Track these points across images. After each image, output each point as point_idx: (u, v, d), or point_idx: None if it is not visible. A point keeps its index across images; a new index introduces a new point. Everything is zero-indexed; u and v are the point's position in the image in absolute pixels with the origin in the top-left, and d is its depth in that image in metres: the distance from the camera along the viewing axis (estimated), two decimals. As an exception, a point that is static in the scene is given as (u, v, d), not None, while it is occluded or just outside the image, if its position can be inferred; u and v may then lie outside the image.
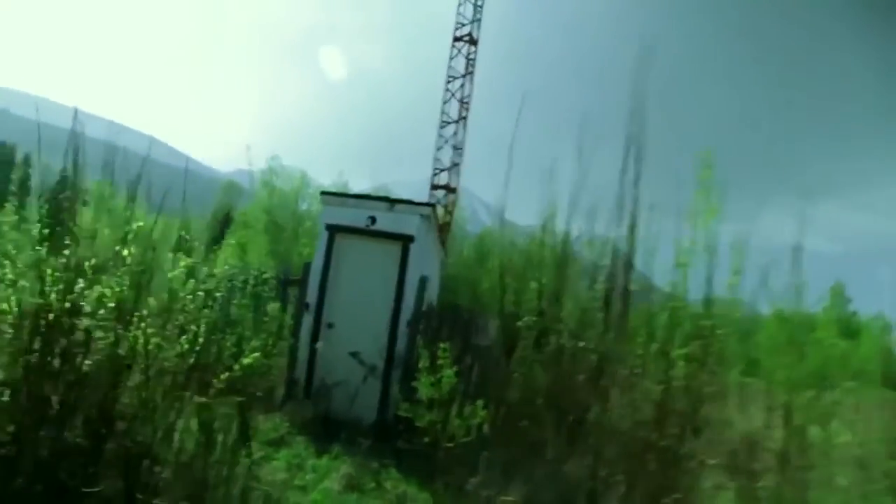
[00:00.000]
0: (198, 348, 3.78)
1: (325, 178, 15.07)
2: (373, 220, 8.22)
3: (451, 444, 4.39)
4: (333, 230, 8.32)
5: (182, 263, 3.93)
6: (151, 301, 3.71)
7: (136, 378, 3.55)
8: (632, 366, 5.10)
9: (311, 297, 8.18)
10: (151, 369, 3.55)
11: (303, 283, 8.12)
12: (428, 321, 7.58)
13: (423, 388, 4.55)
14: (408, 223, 8.14)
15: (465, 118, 14.73)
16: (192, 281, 3.90)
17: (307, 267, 8.21)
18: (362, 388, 7.67)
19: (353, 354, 7.88)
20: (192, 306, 3.82)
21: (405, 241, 8.07)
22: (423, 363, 4.75)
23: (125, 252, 3.77)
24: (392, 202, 8.23)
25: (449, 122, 14.86)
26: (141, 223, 4.08)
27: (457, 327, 7.57)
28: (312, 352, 7.82)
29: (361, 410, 7.55)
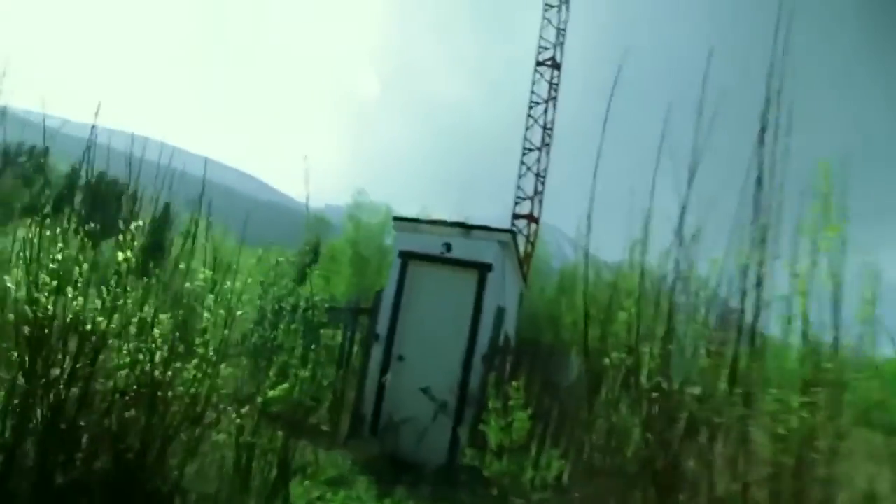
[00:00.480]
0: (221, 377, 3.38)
1: (409, 212, 14.86)
2: (448, 246, 7.80)
3: (522, 501, 3.80)
4: (407, 257, 7.95)
5: (201, 276, 3.59)
6: (164, 319, 3.37)
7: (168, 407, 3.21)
8: (738, 415, 4.35)
9: (382, 327, 7.81)
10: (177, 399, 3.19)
11: (374, 312, 7.77)
12: (504, 356, 7.02)
13: (492, 433, 3.99)
14: (485, 250, 7.66)
15: (548, 145, 14.19)
16: (210, 296, 3.52)
17: (379, 295, 7.86)
18: (432, 426, 7.17)
19: (424, 390, 7.42)
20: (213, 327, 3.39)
21: (482, 269, 7.59)
22: (494, 404, 4.18)
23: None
24: (468, 228, 7.79)
25: (531, 150, 14.36)
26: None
27: (535, 364, 6.96)
28: (380, 385, 7.40)
29: (430, 451, 7.05)
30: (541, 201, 14.16)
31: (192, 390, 3.23)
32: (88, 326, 3.12)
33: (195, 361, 3.33)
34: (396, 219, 8.24)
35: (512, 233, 7.97)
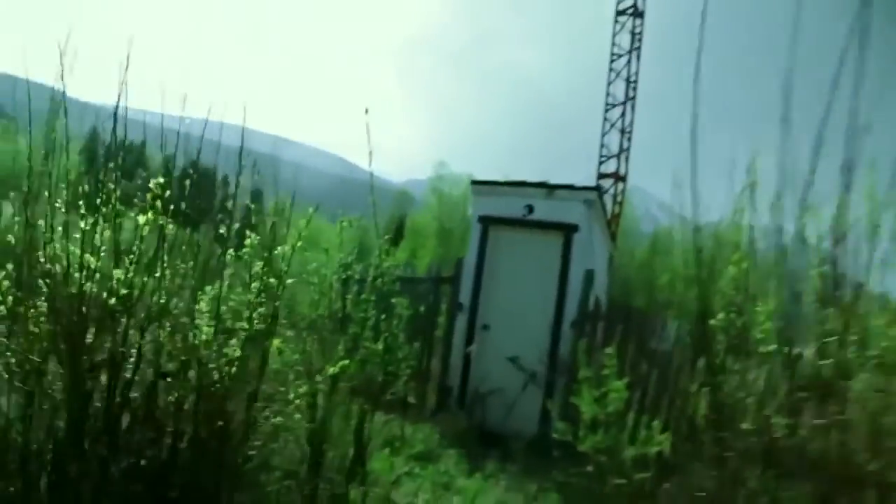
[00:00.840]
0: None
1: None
2: (530, 208, 7.41)
3: (623, 480, 3.44)
4: (487, 222, 7.62)
5: (247, 242, 3.35)
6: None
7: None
8: (875, 385, 3.78)
9: (465, 296, 7.54)
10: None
11: (455, 280, 7.51)
12: (594, 322, 6.60)
13: (586, 405, 3.64)
14: (570, 211, 7.22)
15: (632, 99, 13.36)
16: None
17: (460, 263, 7.58)
18: (521, 397, 6.88)
19: (511, 360, 7.13)
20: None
21: (567, 231, 7.16)
22: (585, 373, 3.82)
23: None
24: (551, 188, 7.36)
25: (615, 105, 13.57)
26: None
27: (629, 329, 6.51)
28: (466, 356, 7.16)
29: (520, 422, 6.77)
30: (627, 158, 13.42)
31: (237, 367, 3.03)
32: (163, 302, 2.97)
33: (240, 336, 3.10)
34: (475, 182, 7.90)
35: (598, 190, 7.47)
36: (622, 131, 13.30)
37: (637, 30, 13.56)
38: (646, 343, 6.24)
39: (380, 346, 3.75)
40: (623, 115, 13.31)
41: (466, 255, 7.79)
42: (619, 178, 13.25)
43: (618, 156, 13.28)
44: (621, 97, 13.34)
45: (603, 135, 13.49)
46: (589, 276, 6.76)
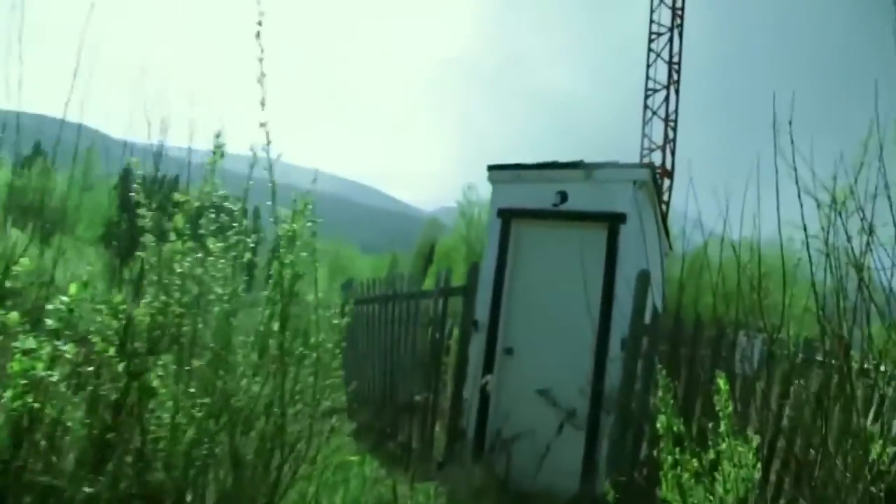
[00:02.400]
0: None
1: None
2: (563, 196, 5.80)
3: None
4: (508, 216, 6.03)
5: None
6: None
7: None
8: None
9: (482, 311, 5.93)
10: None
11: (468, 291, 5.88)
12: (655, 339, 4.90)
13: (676, 492, 1.98)
14: (615, 195, 5.61)
15: (676, 82, 11.66)
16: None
17: (474, 270, 5.96)
18: (556, 442, 5.23)
19: (542, 393, 5.51)
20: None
21: (612, 221, 5.53)
22: (666, 424, 2.19)
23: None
24: (589, 167, 5.74)
25: (656, 90, 11.89)
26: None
27: (703, 350, 4.82)
28: (483, 389, 5.51)
29: (555, 476, 5.14)
30: (673, 151, 11.68)
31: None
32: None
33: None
34: (492, 168, 6.31)
35: (651, 169, 5.79)
36: (665, 119, 11.60)
37: (678, 5, 11.89)
38: (731, 367, 4.54)
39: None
40: (666, 100, 11.63)
41: (483, 259, 6.18)
42: (665, 173, 11.52)
43: (662, 147, 11.56)
44: (663, 80, 11.69)
45: (644, 123, 11.80)
46: (644, 280, 5.08)
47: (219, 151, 2.81)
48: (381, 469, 5.47)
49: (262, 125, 2.60)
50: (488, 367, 5.78)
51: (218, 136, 2.78)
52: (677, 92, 11.59)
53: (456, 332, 6.36)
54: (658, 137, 11.58)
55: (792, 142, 3.42)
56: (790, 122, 3.41)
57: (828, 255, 3.17)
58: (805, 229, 3.27)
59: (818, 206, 3.31)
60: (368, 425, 6.93)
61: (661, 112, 11.55)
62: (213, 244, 2.83)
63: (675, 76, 11.59)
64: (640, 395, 4.88)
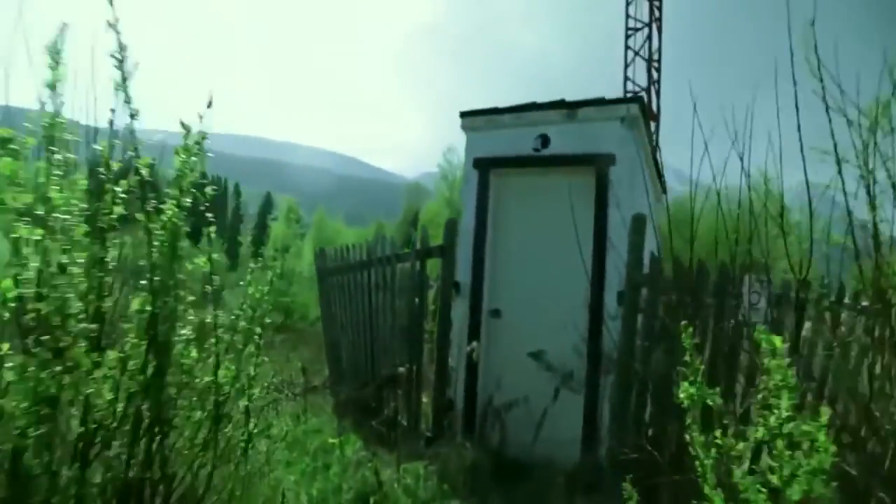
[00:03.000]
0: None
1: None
2: (544, 140, 5.29)
3: None
4: (485, 167, 5.50)
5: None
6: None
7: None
8: None
9: (463, 272, 5.44)
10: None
11: (447, 251, 5.37)
12: (655, 289, 4.43)
13: (716, 486, 1.48)
14: (602, 135, 5.09)
15: (658, 20, 11.01)
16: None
17: (451, 227, 5.43)
18: (554, 409, 4.79)
19: (535, 355, 5.03)
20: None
21: (600, 164, 5.03)
22: (692, 395, 1.70)
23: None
24: (572, 106, 5.20)
25: (637, 28, 11.24)
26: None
27: (706, 300, 4.36)
28: (469, 356, 5.04)
29: (555, 446, 4.70)
30: (658, 92, 11.10)
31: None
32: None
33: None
34: (465, 114, 5.75)
35: (640, 102, 5.24)
36: (648, 60, 10.99)
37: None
38: (741, 319, 4.10)
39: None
40: (649, 38, 11.00)
41: (461, 216, 5.66)
42: (651, 116, 10.96)
43: (647, 89, 10.98)
44: (645, 18, 11.04)
45: (626, 65, 11.18)
46: (639, 224, 4.59)
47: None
48: (365, 449, 5.04)
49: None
50: (474, 331, 5.31)
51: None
52: (660, 30, 10.98)
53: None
54: (642, 80, 11.00)
55: (816, 49, 2.90)
56: (813, 23, 2.88)
57: (863, 178, 2.66)
58: (836, 150, 2.75)
59: (849, 124, 2.79)
60: (352, 401, 6.49)
61: (644, 53, 10.96)
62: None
63: (656, 12, 10.95)
64: (643, 352, 4.43)
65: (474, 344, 4.95)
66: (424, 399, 5.63)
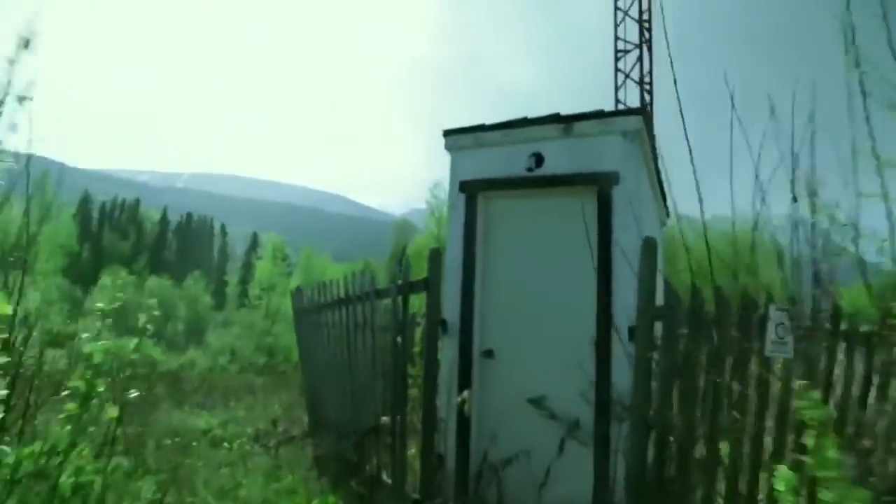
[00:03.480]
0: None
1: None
2: (538, 159, 4.76)
3: None
4: (473, 189, 4.94)
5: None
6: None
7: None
8: None
9: (451, 309, 4.83)
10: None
11: (431, 285, 4.74)
12: (672, 323, 3.82)
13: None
14: (603, 151, 4.57)
15: (648, 41, 10.64)
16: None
17: (436, 258, 4.82)
18: (558, 463, 4.14)
19: (535, 402, 4.43)
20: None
21: (603, 184, 4.48)
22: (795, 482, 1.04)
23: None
24: (568, 120, 4.66)
25: (627, 51, 10.87)
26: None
27: (726, 332, 3.77)
28: (461, 405, 4.40)
29: (562, 507, 4.00)
30: (651, 118, 10.66)
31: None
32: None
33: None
34: (449, 133, 5.19)
35: (643, 114, 4.72)
36: (640, 82, 10.60)
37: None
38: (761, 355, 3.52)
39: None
40: (640, 60, 10.63)
41: (446, 245, 5.07)
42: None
43: (641, 112, 10.56)
44: (635, 40, 10.66)
45: (616, 89, 10.78)
46: (650, 249, 4.00)
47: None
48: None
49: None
50: (465, 375, 4.67)
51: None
52: (650, 51, 10.61)
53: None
54: (633, 103, 10.59)
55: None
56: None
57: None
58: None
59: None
60: (331, 454, 5.80)
61: (635, 75, 10.56)
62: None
63: (646, 34, 10.58)
64: (661, 396, 3.81)
65: (465, 393, 4.31)
66: (412, 450, 4.95)
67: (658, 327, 3.95)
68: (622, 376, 4.18)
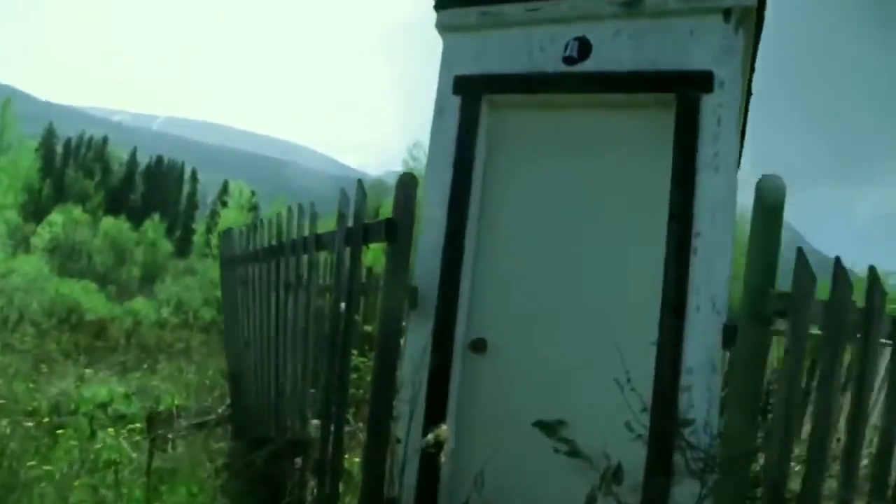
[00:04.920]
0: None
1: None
2: (582, 46, 2.96)
3: None
4: (475, 90, 3.16)
5: None
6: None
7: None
8: None
9: (424, 272, 3.09)
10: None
11: (397, 232, 2.91)
12: (797, 319, 2.14)
13: None
14: (690, 39, 2.81)
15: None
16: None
17: (407, 188, 2.97)
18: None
19: (548, 428, 2.70)
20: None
21: (687, 90, 2.73)
22: None
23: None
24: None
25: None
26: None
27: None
28: (435, 452, 2.65)
29: None
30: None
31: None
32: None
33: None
34: (443, 5, 3.36)
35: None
36: None
37: None
38: None
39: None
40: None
41: (426, 179, 3.31)
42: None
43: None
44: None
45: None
46: (773, 198, 2.28)
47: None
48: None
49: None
50: (439, 378, 2.96)
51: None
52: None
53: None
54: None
55: None
56: None
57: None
58: None
59: None
60: (242, 463, 4.07)
61: None
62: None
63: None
64: (780, 437, 2.18)
65: (442, 430, 2.58)
66: (346, 485, 3.24)
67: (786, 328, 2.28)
68: (700, 402, 2.52)
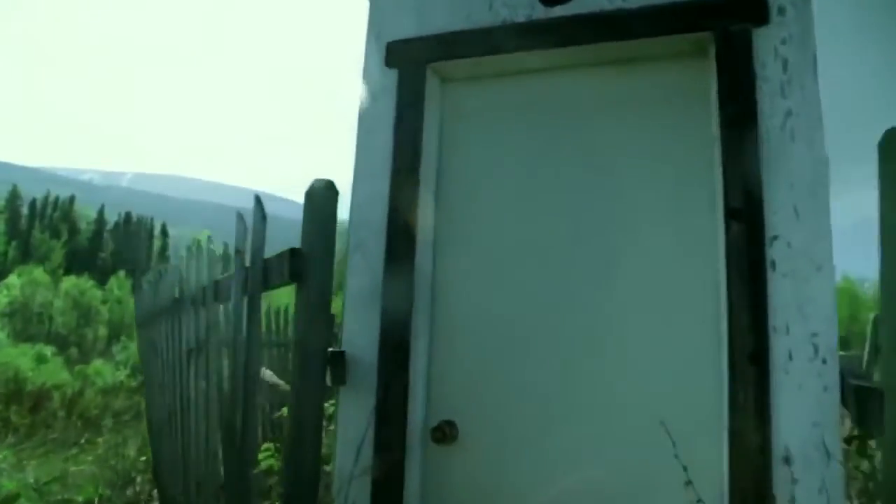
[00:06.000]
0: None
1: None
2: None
3: None
4: (415, 58, 2.15)
5: None
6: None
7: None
8: None
9: (358, 326, 2.03)
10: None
11: (304, 272, 1.86)
12: None
13: None
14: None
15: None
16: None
17: (321, 206, 1.93)
18: None
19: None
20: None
21: (729, 25, 1.75)
22: None
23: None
24: None
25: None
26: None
27: None
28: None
29: None
30: None
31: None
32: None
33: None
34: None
35: None
36: None
37: None
38: None
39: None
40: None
41: (352, 189, 2.29)
42: None
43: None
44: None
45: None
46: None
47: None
48: None
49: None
50: (386, 487, 1.90)
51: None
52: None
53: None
54: None
55: None
56: None
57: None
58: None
59: None
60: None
61: None
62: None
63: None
64: None
65: None
66: None
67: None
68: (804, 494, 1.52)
